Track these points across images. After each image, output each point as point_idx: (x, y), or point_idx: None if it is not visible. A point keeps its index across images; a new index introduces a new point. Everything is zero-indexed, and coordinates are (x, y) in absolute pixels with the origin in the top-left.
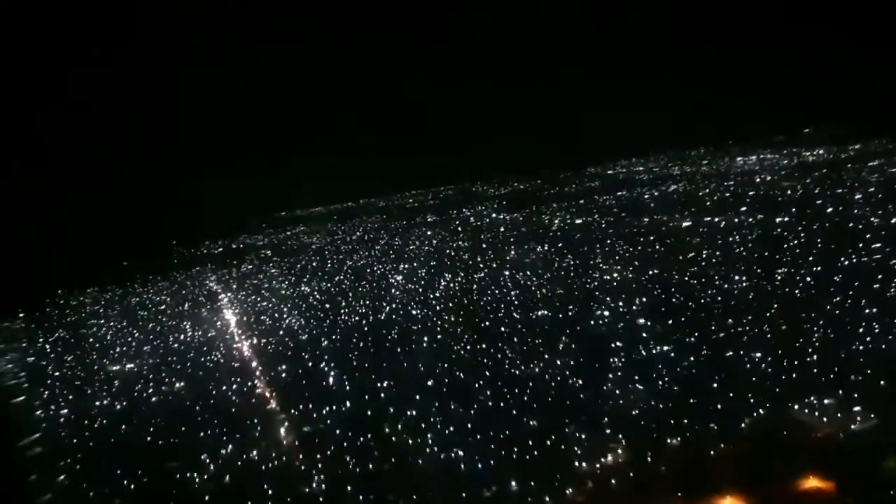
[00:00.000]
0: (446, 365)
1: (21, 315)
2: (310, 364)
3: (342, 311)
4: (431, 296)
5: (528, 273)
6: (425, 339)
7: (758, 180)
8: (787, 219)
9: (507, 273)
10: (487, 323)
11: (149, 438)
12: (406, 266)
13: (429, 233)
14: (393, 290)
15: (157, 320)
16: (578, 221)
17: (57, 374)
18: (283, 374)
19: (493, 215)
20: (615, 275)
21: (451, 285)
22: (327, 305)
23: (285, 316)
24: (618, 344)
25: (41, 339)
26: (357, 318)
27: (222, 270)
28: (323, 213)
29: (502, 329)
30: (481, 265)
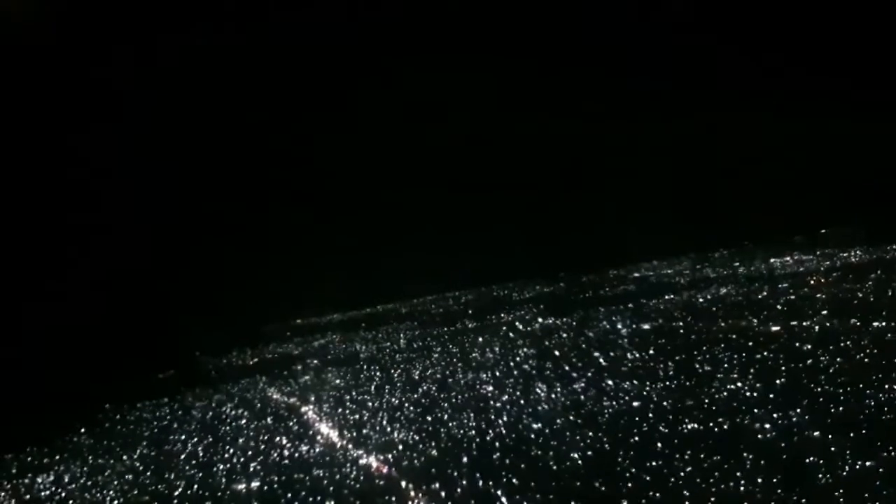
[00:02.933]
0: (629, 483)
1: (83, 430)
2: (464, 482)
3: (454, 425)
4: (542, 408)
5: (635, 382)
6: (576, 455)
7: (812, 282)
8: (887, 323)
9: (610, 382)
10: (637, 438)
11: None
12: (485, 375)
13: (480, 339)
14: (492, 402)
15: (247, 435)
16: (646, 327)
17: (177, 492)
18: (444, 494)
19: (541, 320)
20: (739, 384)
21: (556, 396)
22: (429, 417)
23: (390, 430)
24: (817, 460)
25: (125, 457)
26: (475, 433)
27: (278, 382)
28: (344, 321)
29: (660, 445)
30: (573, 373)
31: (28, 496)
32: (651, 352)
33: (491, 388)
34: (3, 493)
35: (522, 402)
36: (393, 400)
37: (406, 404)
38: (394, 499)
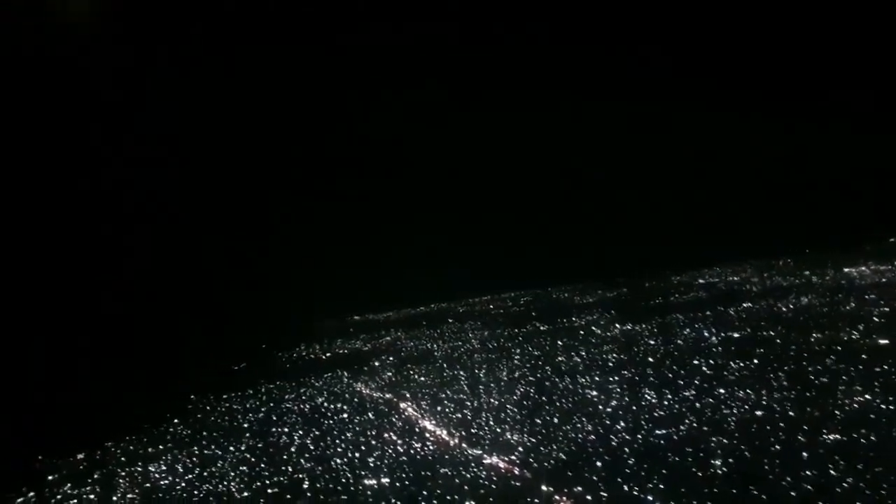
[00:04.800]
0: (791, 492)
1: (177, 421)
2: (609, 486)
3: (569, 429)
4: (657, 414)
5: (748, 391)
6: (717, 461)
7: None
8: None
9: (721, 391)
10: (778, 447)
11: None
12: (584, 379)
13: (560, 343)
14: (602, 407)
15: (354, 430)
16: (736, 335)
17: (305, 485)
18: (590, 497)
19: (618, 325)
20: (867, 396)
21: (669, 403)
22: (538, 420)
23: (501, 431)
24: None
25: (232, 448)
26: (595, 437)
27: (362, 377)
28: (400, 318)
29: (805, 454)
30: (678, 381)
31: (147, 484)
32: (755, 361)
33: (595, 393)
34: (119, 480)
35: (635, 407)
36: (491, 400)
37: (507, 406)
38: (537, 501)
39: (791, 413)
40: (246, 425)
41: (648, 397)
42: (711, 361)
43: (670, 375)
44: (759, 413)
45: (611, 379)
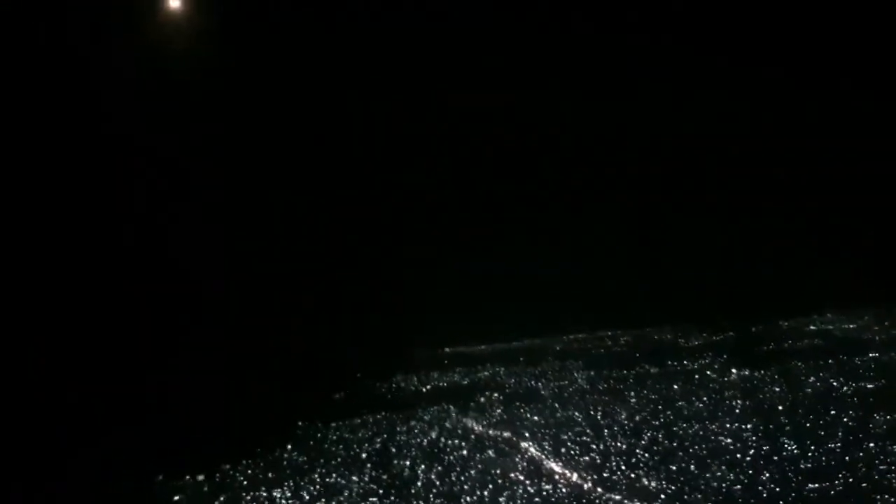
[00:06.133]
0: None
1: (290, 447)
2: None
3: (709, 476)
4: (805, 466)
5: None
6: None
7: None
8: None
9: (871, 444)
10: None
11: None
12: (713, 426)
13: (675, 387)
14: (739, 455)
15: (477, 468)
16: (870, 386)
17: None
18: None
19: (734, 370)
20: None
21: (814, 454)
22: (673, 467)
23: (635, 476)
24: None
25: (355, 477)
26: (740, 487)
27: (471, 412)
28: (495, 352)
29: None
30: (818, 431)
31: None
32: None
33: (729, 440)
34: None
35: (776, 458)
36: (618, 444)
37: (637, 450)
38: None
39: None
40: (364, 455)
41: (789, 447)
42: (851, 412)
43: (808, 425)
44: None
45: (743, 427)
